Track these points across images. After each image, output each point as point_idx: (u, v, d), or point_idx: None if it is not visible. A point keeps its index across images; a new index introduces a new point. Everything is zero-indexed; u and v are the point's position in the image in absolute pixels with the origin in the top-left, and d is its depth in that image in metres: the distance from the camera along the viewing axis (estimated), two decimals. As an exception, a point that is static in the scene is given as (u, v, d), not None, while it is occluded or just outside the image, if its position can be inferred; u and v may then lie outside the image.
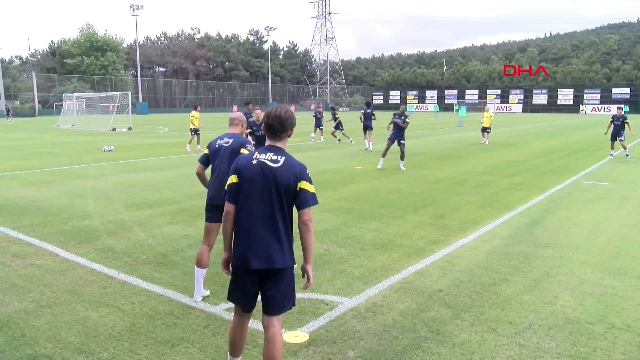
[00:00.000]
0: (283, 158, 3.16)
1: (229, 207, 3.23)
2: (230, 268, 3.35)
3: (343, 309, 4.70)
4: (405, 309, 4.70)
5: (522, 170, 14.24)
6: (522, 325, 4.36)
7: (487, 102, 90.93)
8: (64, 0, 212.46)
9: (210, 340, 4.07)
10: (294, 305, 3.33)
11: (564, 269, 5.81)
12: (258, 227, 3.13)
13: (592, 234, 7.34)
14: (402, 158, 14.31)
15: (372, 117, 20.07)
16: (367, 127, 20.09)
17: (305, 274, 3.27)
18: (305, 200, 3.13)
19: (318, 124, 24.43)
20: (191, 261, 6.05)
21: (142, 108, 68.21)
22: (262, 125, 3.27)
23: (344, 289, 5.20)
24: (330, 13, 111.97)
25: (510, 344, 4.02)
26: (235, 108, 59.33)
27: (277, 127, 3.20)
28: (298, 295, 4.98)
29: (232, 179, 3.23)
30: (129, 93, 43.23)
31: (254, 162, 3.17)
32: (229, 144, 4.94)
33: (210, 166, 5.08)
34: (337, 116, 23.48)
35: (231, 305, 4.62)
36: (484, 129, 23.72)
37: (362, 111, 20.53)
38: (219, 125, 38.71)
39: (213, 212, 4.76)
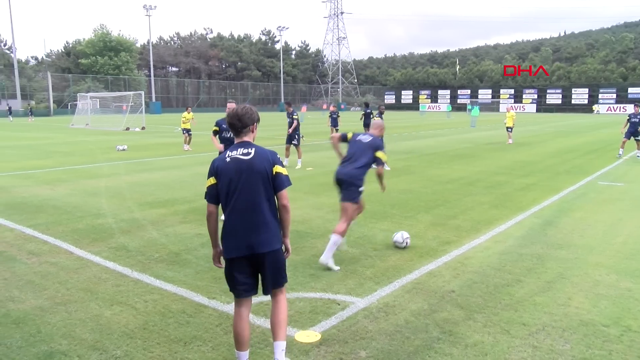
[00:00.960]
0: (253, 149, 3.45)
1: (211, 208, 3.52)
2: (222, 262, 3.58)
3: (355, 309, 4.69)
4: (417, 309, 4.68)
5: (535, 170, 14.11)
6: (536, 326, 4.32)
7: (500, 101, 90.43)
8: (79, 1, 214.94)
9: (222, 339, 4.09)
10: (286, 280, 3.67)
11: (578, 271, 5.74)
12: (249, 217, 3.39)
13: (607, 235, 7.25)
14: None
15: (372, 116, 20.44)
16: (368, 127, 20.25)
17: (285, 247, 3.61)
18: (281, 182, 3.45)
19: (334, 124, 24.28)
20: (204, 260, 6.09)
21: (155, 108, 68.73)
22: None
23: (356, 288, 5.19)
24: (342, 13, 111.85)
25: (524, 346, 3.98)
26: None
27: (237, 124, 3.49)
28: (310, 295, 4.99)
29: (211, 180, 3.50)
30: (142, 93, 43.55)
31: (228, 159, 3.44)
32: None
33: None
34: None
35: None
36: (508, 129, 23.67)
37: (363, 112, 21.10)
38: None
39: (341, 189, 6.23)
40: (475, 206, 9.24)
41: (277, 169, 3.44)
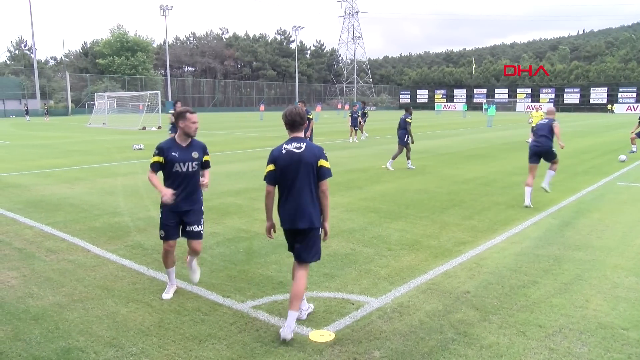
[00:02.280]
0: (304, 144, 4.20)
1: (269, 189, 4.27)
2: (272, 234, 4.49)
3: (369, 309, 4.68)
4: (432, 310, 4.66)
5: (553, 170, 13.91)
6: (552, 329, 4.27)
7: (517, 101, 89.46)
8: (97, 2, 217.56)
9: (237, 337, 4.11)
10: (319, 259, 4.37)
11: (596, 272, 5.66)
12: (297, 198, 4.16)
13: (626, 237, 7.13)
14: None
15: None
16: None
17: (324, 230, 4.31)
18: (323, 174, 4.19)
19: (354, 123, 24.18)
20: (219, 258, 6.12)
21: (171, 107, 69.24)
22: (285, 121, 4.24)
23: (370, 288, 5.18)
24: (357, 12, 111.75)
25: (540, 348, 3.94)
26: (262, 107, 59.70)
27: (299, 121, 4.26)
28: (324, 294, 4.99)
29: (270, 167, 4.24)
30: (159, 92, 43.98)
31: (284, 151, 4.20)
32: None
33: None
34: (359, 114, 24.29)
35: (257, 303, 4.70)
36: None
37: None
38: (244, 125, 39.06)
39: None
40: (492, 206, 9.15)
41: (322, 162, 4.18)
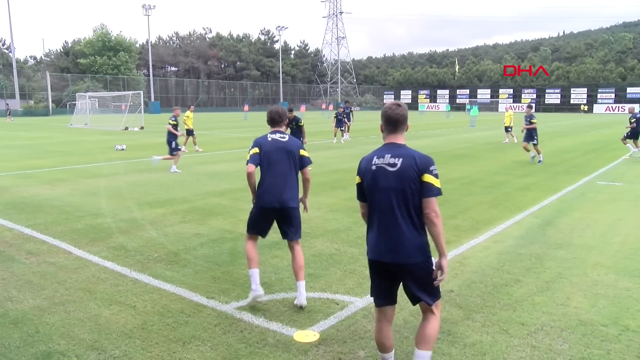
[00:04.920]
0: (287, 136, 4.80)
1: (251, 169, 4.61)
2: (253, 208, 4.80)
3: (354, 309, 4.69)
4: (415, 309, 4.64)
5: (534, 170, 14.12)
6: (534, 326, 4.32)
7: (499, 101, 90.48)
8: (77, 1, 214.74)
9: (221, 339, 4.09)
10: (300, 236, 4.87)
11: (577, 270, 5.75)
12: (281, 181, 4.61)
13: (606, 235, 7.26)
14: None
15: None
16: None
17: (304, 205, 5.00)
18: (304, 161, 4.78)
19: (339, 124, 24.17)
20: (203, 259, 6.09)
21: (154, 107, 68.70)
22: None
23: (355, 288, 5.19)
24: (341, 12, 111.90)
25: (522, 345, 3.99)
26: (246, 107, 59.47)
27: (277, 119, 4.79)
28: (309, 294, 4.99)
29: (255, 150, 4.65)
30: (142, 92, 43.54)
31: (269, 139, 4.69)
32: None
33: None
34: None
35: (241, 304, 4.68)
36: (507, 128, 23.73)
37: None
38: (228, 125, 38.89)
39: None
40: (475, 206, 9.24)
41: (302, 152, 4.74)
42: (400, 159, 3.16)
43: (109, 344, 3.98)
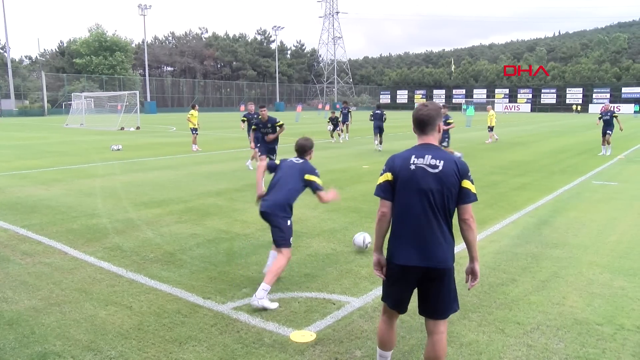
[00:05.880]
0: (301, 160, 5.25)
1: (262, 164, 5.48)
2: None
3: (350, 309, 4.69)
4: (412, 308, 4.65)
5: (530, 170, 14.16)
6: (530, 325, 4.34)
7: (495, 101, 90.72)
8: (73, 1, 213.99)
9: (217, 339, 4.08)
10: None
11: (573, 270, 5.77)
12: (277, 193, 5.01)
13: (601, 235, 7.29)
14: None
15: (383, 118, 20.14)
16: (378, 128, 20.02)
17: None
18: (312, 185, 5.15)
19: (344, 119, 24.30)
20: (199, 260, 6.08)
21: (150, 107, 68.53)
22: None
23: (351, 288, 5.20)
24: (337, 12, 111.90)
25: (518, 345, 4.00)
26: (242, 107, 59.43)
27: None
28: (305, 294, 4.99)
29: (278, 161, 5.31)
30: (137, 92, 43.40)
31: (287, 161, 5.24)
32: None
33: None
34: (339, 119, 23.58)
35: (238, 304, 4.66)
36: (490, 128, 23.84)
37: (372, 112, 20.75)
38: (225, 125, 38.82)
39: None
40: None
41: (311, 177, 5.06)
42: (442, 162, 3.06)
43: (105, 345, 3.97)
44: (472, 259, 3.20)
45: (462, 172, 3.07)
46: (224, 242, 6.86)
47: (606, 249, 6.56)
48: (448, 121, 15.37)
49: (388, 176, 3.19)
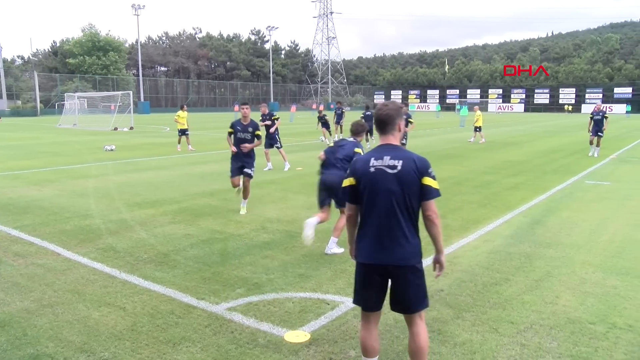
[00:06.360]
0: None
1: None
2: None
3: (344, 309, 4.69)
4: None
5: (523, 170, 14.23)
6: (524, 325, 4.36)
7: (489, 101, 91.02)
8: (66, 0, 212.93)
9: (211, 340, 4.07)
10: None
11: (566, 269, 5.80)
12: None
13: (594, 234, 7.33)
14: None
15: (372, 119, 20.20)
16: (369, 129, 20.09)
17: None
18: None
19: (338, 120, 24.35)
20: (193, 260, 6.06)
21: (144, 107, 68.24)
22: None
23: (346, 288, 5.20)
24: (331, 12, 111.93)
25: (512, 344, 4.01)
26: (236, 107, 59.29)
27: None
28: (299, 294, 4.99)
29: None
30: (131, 92, 43.22)
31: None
32: None
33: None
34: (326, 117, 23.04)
35: (232, 305, 4.65)
36: (477, 128, 24.10)
37: (362, 113, 20.83)
38: (219, 125, 38.74)
39: None
40: (464, 205, 9.29)
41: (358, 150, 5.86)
42: (401, 161, 3.10)
43: (98, 346, 3.95)
44: (437, 251, 3.33)
45: (421, 169, 3.11)
46: (218, 243, 6.84)
47: (599, 249, 6.60)
48: (409, 120, 15.15)
49: (351, 180, 3.26)
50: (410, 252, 3.15)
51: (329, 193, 6.24)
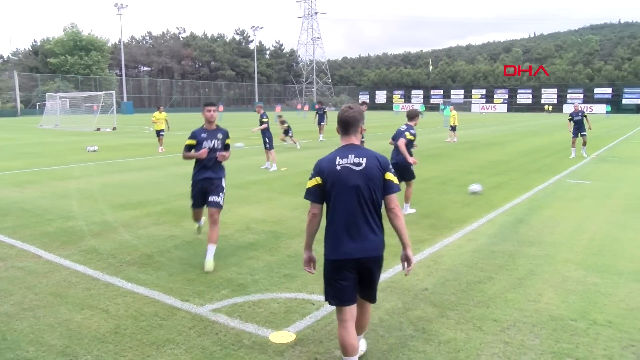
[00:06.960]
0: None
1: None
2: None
3: (330, 309, 4.68)
4: (391, 307, 4.72)
5: (507, 169, 14.38)
6: (507, 322, 4.40)
7: (472, 101, 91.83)
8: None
9: (196, 342, 4.05)
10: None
11: (548, 267, 5.87)
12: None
13: (575, 232, 7.43)
14: None
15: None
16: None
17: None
18: None
19: (320, 120, 25.23)
20: (177, 262, 6.01)
21: (127, 108, 67.51)
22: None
23: (331, 288, 5.19)
24: (316, 13, 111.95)
25: (495, 342, 4.06)
26: (221, 108, 58.99)
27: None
28: (284, 295, 4.98)
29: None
30: (114, 93, 42.77)
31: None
32: None
33: None
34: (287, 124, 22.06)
35: (216, 306, 4.63)
36: (452, 128, 24.57)
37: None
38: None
39: None
40: (449, 205, 9.36)
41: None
42: (365, 159, 3.28)
43: (81, 350, 3.90)
44: (404, 245, 3.44)
45: (384, 165, 3.32)
46: (203, 244, 6.78)
47: (580, 247, 6.70)
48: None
49: (317, 180, 3.36)
50: (379, 244, 3.36)
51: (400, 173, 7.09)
